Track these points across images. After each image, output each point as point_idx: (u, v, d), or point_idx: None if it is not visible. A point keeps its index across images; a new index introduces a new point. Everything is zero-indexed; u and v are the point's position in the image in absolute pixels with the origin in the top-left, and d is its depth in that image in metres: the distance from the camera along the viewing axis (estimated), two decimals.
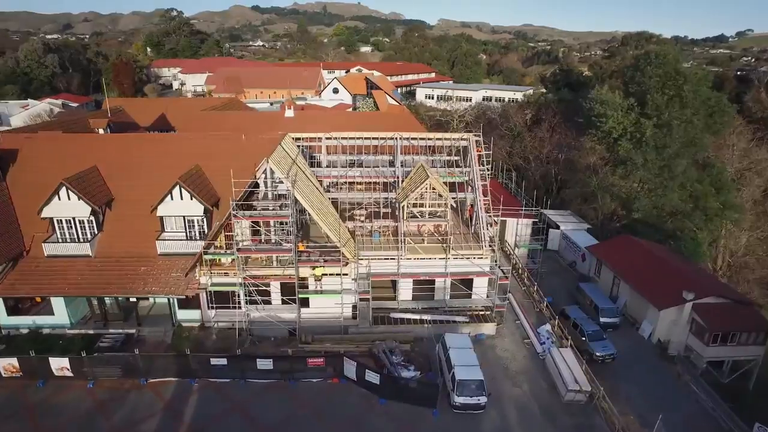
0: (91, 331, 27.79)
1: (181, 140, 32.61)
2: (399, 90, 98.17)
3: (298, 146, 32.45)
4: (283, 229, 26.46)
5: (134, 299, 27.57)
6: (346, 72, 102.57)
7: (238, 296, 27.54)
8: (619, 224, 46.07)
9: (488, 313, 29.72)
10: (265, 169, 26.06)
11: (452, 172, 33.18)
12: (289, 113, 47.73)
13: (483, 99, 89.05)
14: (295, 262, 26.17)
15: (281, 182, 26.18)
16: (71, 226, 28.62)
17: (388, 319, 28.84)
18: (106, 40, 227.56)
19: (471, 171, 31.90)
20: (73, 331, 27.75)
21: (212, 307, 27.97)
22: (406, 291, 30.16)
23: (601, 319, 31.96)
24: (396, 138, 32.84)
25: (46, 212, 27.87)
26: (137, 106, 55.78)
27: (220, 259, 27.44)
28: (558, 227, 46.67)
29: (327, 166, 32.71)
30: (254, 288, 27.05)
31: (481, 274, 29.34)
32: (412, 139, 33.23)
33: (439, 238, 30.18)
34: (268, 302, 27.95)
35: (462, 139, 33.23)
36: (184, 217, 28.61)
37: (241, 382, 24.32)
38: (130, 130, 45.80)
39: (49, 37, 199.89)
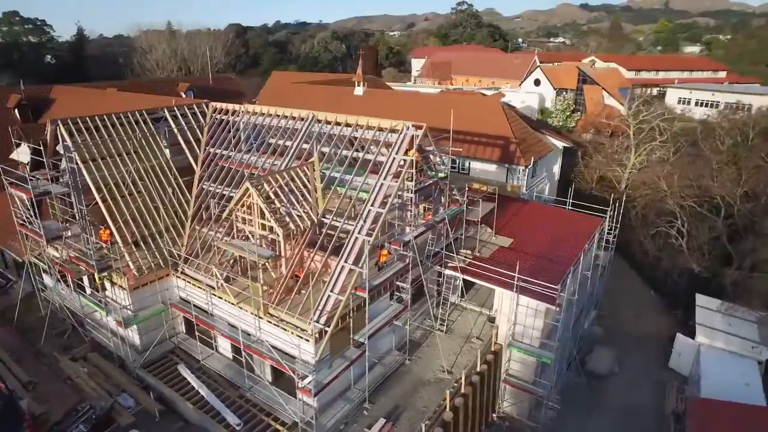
0: None
1: (138, 100, 30.21)
2: (634, 89, 72.82)
3: (219, 119, 25.47)
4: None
5: None
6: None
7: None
8: None
9: None
10: (52, 131, 20.63)
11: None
12: (358, 91, 39.83)
13: None
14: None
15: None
16: None
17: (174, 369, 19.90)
18: (418, 33, 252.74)
19: (378, 183, 18.42)
20: None
21: (58, 280, 24.93)
22: (226, 343, 20.20)
23: None
24: (307, 119, 21.97)
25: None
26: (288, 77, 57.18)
27: None
28: (694, 337, 25.51)
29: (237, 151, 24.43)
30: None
31: (283, 367, 16.79)
32: (326, 123, 21.55)
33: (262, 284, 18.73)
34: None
35: (391, 131, 19.64)
36: None
37: None
38: (225, 96, 47.03)
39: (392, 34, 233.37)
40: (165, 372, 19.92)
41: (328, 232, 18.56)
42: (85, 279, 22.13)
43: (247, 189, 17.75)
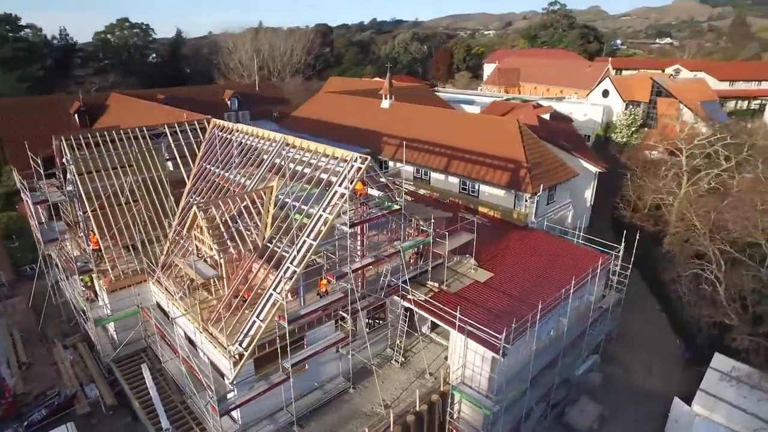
0: None
1: (151, 110, 33.12)
2: (725, 103, 64.62)
3: (216, 135, 27.08)
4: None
5: None
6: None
7: None
8: None
9: None
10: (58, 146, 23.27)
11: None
12: (385, 104, 40.00)
13: None
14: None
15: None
16: None
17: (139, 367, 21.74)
18: (510, 33, 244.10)
19: (317, 214, 18.68)
20: None
21: None
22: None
23: None
24: (278, 142, 22.68)
25: None
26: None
27: None
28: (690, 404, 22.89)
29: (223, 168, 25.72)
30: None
31: (201, 381, 17.72)
32: (292, 147, 22.09)
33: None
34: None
35: (342, 160, 19.70)
36: None
37: None
38: (267, 102, 49.64)
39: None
40: (130, 369, 21.85)
41: (270, 256, 19.19)
42: None
43: (195, 212, 18.92)
